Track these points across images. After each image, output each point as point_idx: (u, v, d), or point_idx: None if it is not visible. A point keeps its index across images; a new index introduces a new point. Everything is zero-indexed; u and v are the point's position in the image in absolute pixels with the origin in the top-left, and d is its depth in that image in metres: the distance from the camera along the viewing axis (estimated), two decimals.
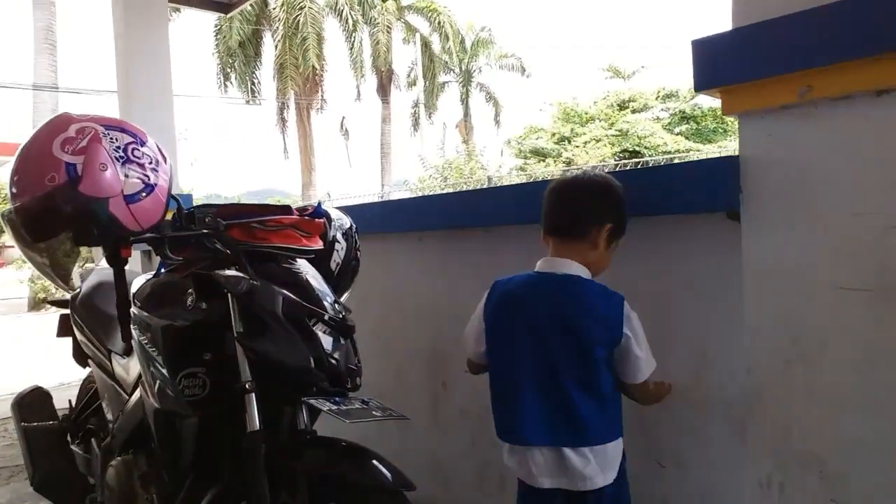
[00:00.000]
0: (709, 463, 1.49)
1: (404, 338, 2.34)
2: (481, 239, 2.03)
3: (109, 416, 1.92)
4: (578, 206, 1.42)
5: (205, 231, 1.38)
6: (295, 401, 1.42)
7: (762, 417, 1.33)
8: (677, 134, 19.87)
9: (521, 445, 1.41)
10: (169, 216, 1.39)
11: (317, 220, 1.52)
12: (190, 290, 1.46)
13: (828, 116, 1.22)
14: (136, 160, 1.26)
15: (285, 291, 1.34)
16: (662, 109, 21.24)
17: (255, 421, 1.32)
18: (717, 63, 1.35)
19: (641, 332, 1.38)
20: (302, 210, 1.55)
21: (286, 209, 1.47)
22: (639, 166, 10.49)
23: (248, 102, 19.94)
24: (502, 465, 2.00)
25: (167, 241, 1.38)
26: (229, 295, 1.35)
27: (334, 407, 1.26)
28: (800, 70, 1.23)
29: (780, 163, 1.29)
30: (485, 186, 10.13)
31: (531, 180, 12.69)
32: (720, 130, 19.94)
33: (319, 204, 1.58)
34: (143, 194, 1.25)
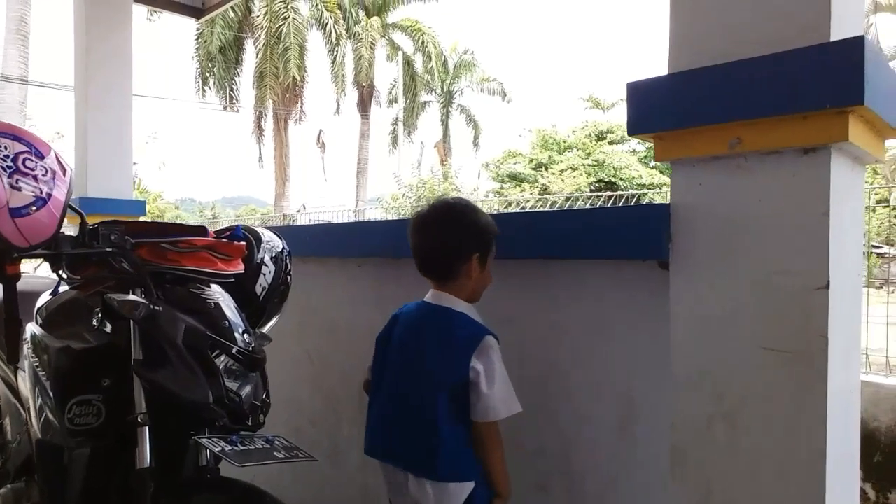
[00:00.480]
0: None
1: (339, 365, 2.26)
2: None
3: (9, 436, 1.80)
4: (439, 251, 1.43)
5: (108, 249, 1.29)
6: (194, 436, 1.33)
7: (684, 474, 1.28)
8: (652, 167, 20.16)
9: (371, 456, 1.49)
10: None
11: (236, 242, 1.45)
12: (96, 310, 1.37)
13: (757, 170, 1.20)
14: (29, 171, 1.18)
15: (189, 319, 1.27)
16: (638, 142, 21.53)
17: (146, 457, 1.23)
18: (650, 108, 1.32)
19: (499, 370, 1.33)
20: (220, 232, 1.48)
21: (201, 230, 1.40)
22: (611, 198, 10.58)
23: (225, 109, 19.75)
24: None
25: (65, 258, 1.29)
26: (130, 321, 1.27)
27: (228, 448, 1.18)
28: (730, 121, 1.20)
29: (710, 214, 1.25)
30: None
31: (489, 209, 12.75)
32: None
33: (238, 227, 1.50)
34: (34, 207, 1.16)
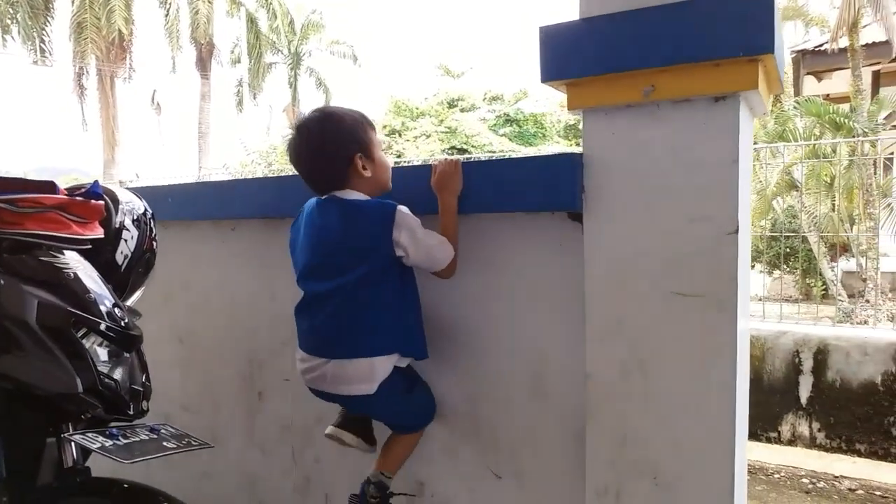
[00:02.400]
0: (547, 473, 1.43)
1: (214, 343, 2.04)
2: None
3: None
4: (323, 168, 1.40)
5: None
6: (59, 434, 1.11)
7: (600, 425, 1.29)
8: (502, 135, 20.84)
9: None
10: None
11: (93, 201, 1.21)
12: None
13: (669, 118, 1.20)
14: None
15: (42, 293, 1.04)
16: (489, 111, 22.15)
17: None
18: (564, 54, 1.28)
19: (420, 231, 1.36)
20: (73, 189, 1.23)
21: (49, 186, 1.14)
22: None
23: (35, 62, 17.23)
24: (327, 482, 1.82)
25: None
26: None
27: (109, 443, 0.99)
28: (644, 68, 1.19)
29: (624, 163, 1.25)
30: None
31: None
32: (539, 135, 21.28)
33: (96, 182, 1.26)
34: None
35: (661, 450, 1.23)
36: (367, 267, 1.34)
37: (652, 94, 1.20)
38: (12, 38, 16.38)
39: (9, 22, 16.07)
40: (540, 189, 1.35)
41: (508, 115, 21.77)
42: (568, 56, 1.26)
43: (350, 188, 1.40)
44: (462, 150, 19.44)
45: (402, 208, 1.36)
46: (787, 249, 6.36)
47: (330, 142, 1.39)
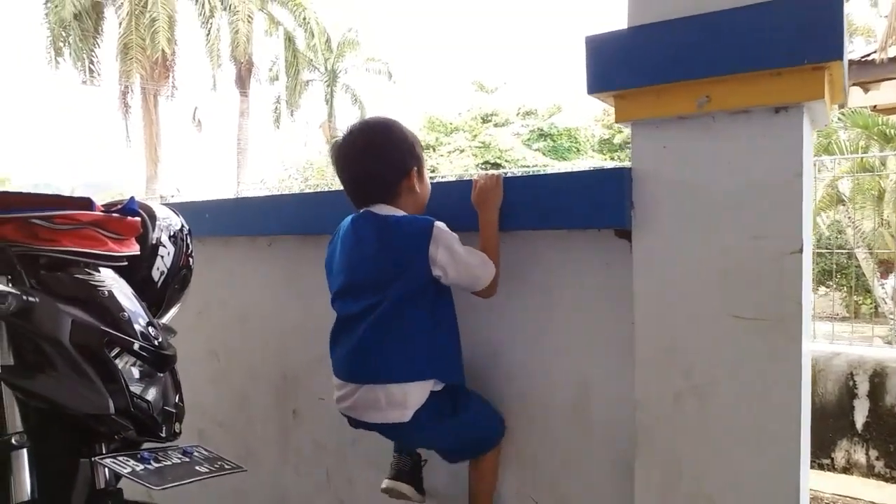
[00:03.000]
0: (591, 502, 1.35)
1: (249, 359, 2.02)
2: None
3: None
4: (382, 174, 1.33)
5: None
6: (91, 454, 1.08)
7: (650, 455, 1.22)
8: (535, 150, 20.78)
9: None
10: None
11: (129, 218, 1.19)
12: None
13: (726, 130, 1.13)
14: None
15: (76, 311, 1.02)
16: (522, 125, 22.12)
17: (26, 487, 0.98)
18: (611, 64, 1.22)
19: (460, 248, 1.30)
20: (110, 206, 1.22)
21: (85, 202, 1.13)
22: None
23: (84, 82, 17.86)
24: (360, 502, 1.77)
25: None
26: None
27: (140, 467, 0.95)
28: (699, 78, 1.13)
29: (676, 178, 1.18)
30: None
31: None
32: (574, 149, 21.14)
33: (132, 199, 1.24)
34: None
35: (718, 481, 1.15)
36: (401, 286, 1.27)
37: (707, 105, 1.13)
38: (64, 59, 17.03)
39: (61, 44, 16.71)
40: (586, 205, 1.29)
41: (542, 130, 21.70)
42: (616, 66, 1.21)
43: (392, 203, 1.34)
44: (496, 165, 19.42)
45: (440, 224, 1.29)
46: (834, 266, 6.12)
47: (394, 149, 1.34)
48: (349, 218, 1.40)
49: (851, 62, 9.68)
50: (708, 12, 1.10)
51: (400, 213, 1.34)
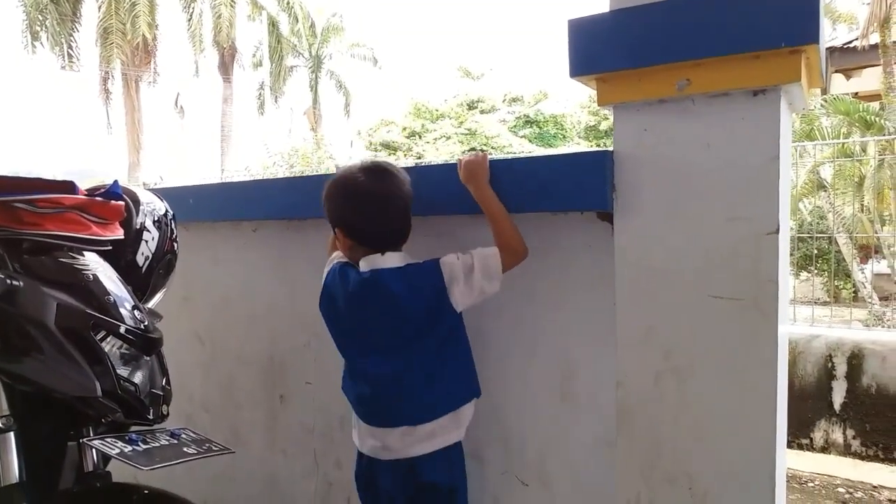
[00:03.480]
0: (575, 481, 1.38)
1: (235, 344, 2.02)
2: (326, 230, 1.78)
3: None
4: (404, 219, 1.34)
5: None
6: (79, 437, 1.09)
7: (631, 434, 1.24)
8: (522, 136, 20.79)
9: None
10: None
11: (113, 202, 1.19)
12: None
13: (705, 114, 1.15)
14: None
15: (62, 295, 1.02)
16: (508, 112, 22.10)
17: (14, 470, 0.99)
18: (593, 47, 1.23)
19: (461, 261, 1.32)
20: (93, 190, 1.21)
21: (68, 186, 1.13)
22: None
23: (63, 68, 17.54)
24: (348, 486, 1.79)
25: None
26: None
27: (128, 449, 0.96)
28: (679, 61, 1.14)
29: (657, 160, 1.20)
30: None
31: None
32: (560, 136, 21.18)
33: (116, 182, 1.24)
34: None
35: (697, 459, 1.18)
36: (436, 333, 1.30)
37: (687, 88, 1.15)
38: (41, 44, 16.70)
39: (38, 28, 16.38)
40: (568, 188, 1.31)
41: (528, 117, 21.70)
42: (598, 50, 1.22)
43: (399, 251, 1.34)
44: (482, 152, 19.39)
45: (443, 260, 1.29)
46: (815, 251, 6.21)
47: (407, 189, 1.34)
48: (347, 270, 1.36)
49: (834, 49, 9.78)
50: None
51: (399, 259, 1.33)
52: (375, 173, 1.33)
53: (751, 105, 1.11)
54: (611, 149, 1.26)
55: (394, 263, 1.31)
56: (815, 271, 6.59)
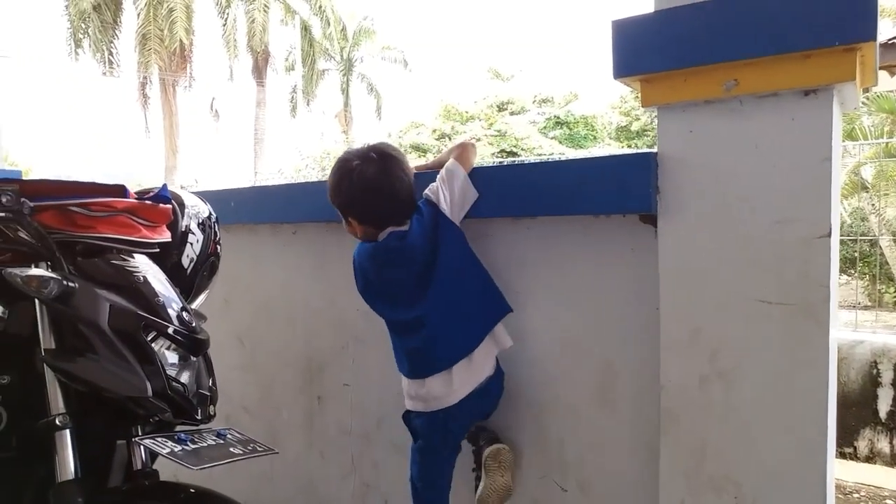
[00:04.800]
0: (615, 486, 1.36)
1: (275, 346, 2.05)
2: None
3: None
4: (409, 191, 1.42)
5: (0, 214, 1.03)
6: (129, 436, 1.11)
7: (675, 438, 1.22)
8: (552, 138, 20.64)
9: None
10: None
11: (162, 205, 1.22)
12: None
13: (753, 114, 1.13)
14: None
15: (114, 296, 1.04)
16: (538, 113, 21.96)
17: (70, 466, 1.01)
18: (637, 48, 1.22)
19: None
20: (142, 193, 1.24)
21: (120, 189, 1.15)
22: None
23: (104, 73, 18.03)
24: (385, 488, 1.80)
25: None
26: (37, 300, 1.03)
27: (178, 448, 0.98)
28: (726, 61, 1.12)
29: (702, 162, 1.18)
30: None
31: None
32: (590, 137, 20.98)
33: (165, 186, 1.27)
34: None
35: (744, 465, 1.15)
36: (449, 264, 1.37)
37: (734, 88, 1.12)
38: (83, 51, 17.20)
39: (81, 36, 16.87)
40: (611, 190, 1.30)
41: (558, 118, 21.53)
42: (643, 50, 1.20)
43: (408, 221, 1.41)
44: (512, 154, 19.33)
45: (426, 191, 1.43)
46: (856, 254, 6.03)
47: (406, 165, 1.43)
48: (369, 245, 1.44)
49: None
50: None
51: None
52: (376, 160, 1.39)
53: (801, 105, 1.09)
54: (654, 150, 1.24)
55: (403, 228, 1.40)
56: (857, 274, 6.40)
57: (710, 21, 1.13)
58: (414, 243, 1.37)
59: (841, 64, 1.03)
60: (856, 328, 3.98)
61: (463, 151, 1.46)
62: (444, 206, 1.39)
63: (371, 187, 1.38)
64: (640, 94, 1.24)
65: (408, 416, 1.44)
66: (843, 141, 6.87)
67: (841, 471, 3.20)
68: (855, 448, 3.42)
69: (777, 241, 1.11)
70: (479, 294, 1.40)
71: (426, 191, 1.43)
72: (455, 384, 1.35)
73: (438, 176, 1.43)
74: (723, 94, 1.14)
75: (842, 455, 3.41)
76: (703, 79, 1.15)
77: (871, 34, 0.99)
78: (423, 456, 1.41)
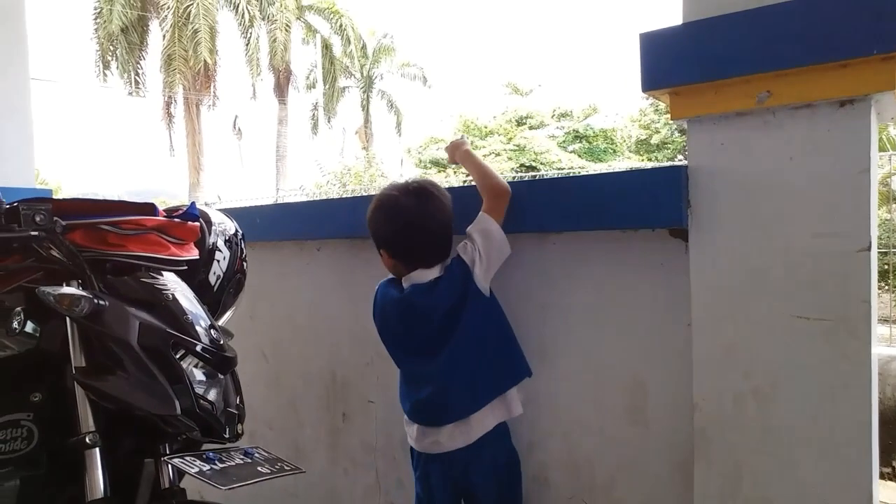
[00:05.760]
0: None
1: (299, 363, 2.05)
2: None
3: None
4: (447, 228, 1.39)
5: (33, 233, 1.05)
6: (156, 454, 1.11)
7: (709, 459, 1.19)
8: (571, 152, 20.61)
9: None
10: None
11: (190, 223, 1.22)
12: (17, 309, 1.12)
13: (787, 126, 1.11)
14: None
15: (143, 314, 1.05)
16: (557, 127, 21.97)
17: (100, 485, 1.01)
18: (667, 60, 1.20)
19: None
20: (171, 211, 1.25)
21: (149, 208, 1.16)
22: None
23: (131, 94, 18.45)
24: None
25: None
26: (68, 318, 1.04)
27: (206, 468, 0.98)
28: (759, 73, 1.10)
29: (734, 176, 1.15)
30: None
31: None
32: (610, 150, 20.90)
33: (193, 204, 1.28)
34: None
35: (782, 488, 1.11)
36: (470, 324, 1.34)
37: (767, 100, 1.10)
38: (111, 72, 17.63)
39: (109, 58, 17.31)
40: (641, 205, 1.27)
41: (577, 132, 21.50)
42: (671, 63, 1.19)
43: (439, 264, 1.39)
44: (531, 168, 19.31)
45: (460, 249, 1.37)
46: (885, 266, 5.89)
47: (447, 201, 1.40)
48: (391, 290, 1.43)
49: None
50: (767, 5, 1.08)
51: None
52: (417, 196, 1.36)
53: (838, 116, 1.06)
54: (685, 163, 1.22)
55: (431, 276, 1.36)
56: (889, 288, 6.25)
57: (741, 32, 1.11)
58: (438, 304, 1.34)
59: (879, 73, 1.01)
60: (890, 343, 3.88)
61: (497, 201, 1.37)
62: (478, 272, 1.34)
63: (406, 223, 1.36)
64: (669, 107, 1.22)
65: None
66: None
67: (882, 492, 3.10)
68: (893, 468, 3.31)
69: (815, 255, 1.08)
70: (495, 360, 1.37)
71: (459, 248, 1.37)
72: (442, 437, 1.36)
73: (471, 231, 1.36)
74: (755, 105, 1.12)
75: (880, 476, 3.31)
76: (734, 91, 1.13)
77: None
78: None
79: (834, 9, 1.03)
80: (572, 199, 1.37)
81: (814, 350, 1.08)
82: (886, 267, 5.97)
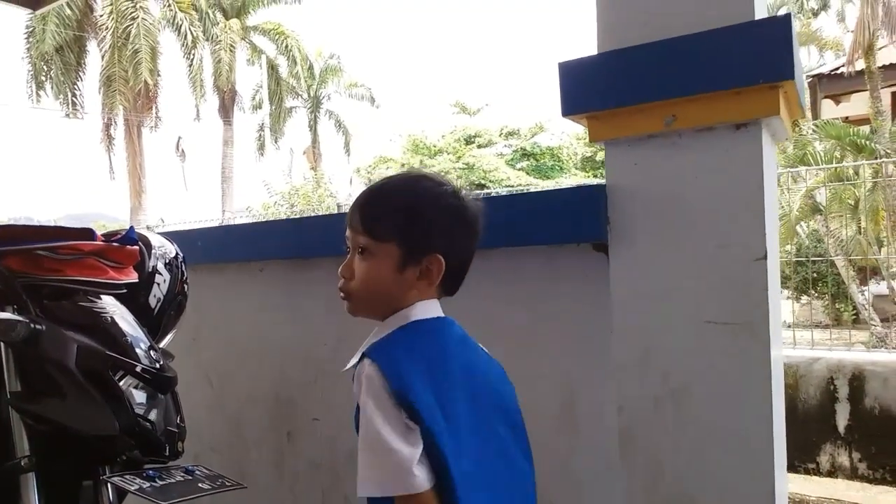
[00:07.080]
0: None
1: (243, 384, 2.05)
2: (332, 268, 1.83)
3: None
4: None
5: None
6: (95, 476, 1.12)
7: (634, 457, 1.27)
8: (519, 169, 20.99)
9: None
10: None
11: (129, 247, 1.24)
12: None
13: (692, 147, 1.21)
14: None
15: (82, 337, 1.06)
16: (505, 146, 22.36)
17: None
18: (583, 88, 1.30)
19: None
20: (110, 235, 1.26)
21: (86, 233, 1.18)
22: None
23: (67, 116, 17.86)
24: None
25: None
26: (2, 344, 1.04)
27: (146, 485, 0.99)
28: (665, 99, 1.21)
29: (647, 193, 1.25)
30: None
31: None
32: (557, 168, 21.39)
33: (132, 228, 1.29)
34: None
35: (699, 483, 1.20)
36: None
37: (673, 123, 1.21)
38: (45, 93, 17.03)
39: (43, 78, 16.73)
40: (564, 221, 1.36)
41: (525, 150, 21.95)
42: (587, 90, 1.28)
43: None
44: (480, 186, 19.59)
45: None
46: (814, 274, 6.25)
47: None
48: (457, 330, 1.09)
49: (822, 76, 9.98)
50: (671, 38, 1.19)
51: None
52: (472, 201, 1.03)
53: (734, 138, 1.17)
54: (604, 182, 1.31)
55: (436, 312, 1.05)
56: (815, 294, 6.61)
57: (648, 62, 1.21)
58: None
59: (766, 100, 1.13)
60: (813, 346, 4.12)
61: None
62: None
63: (471, 225, 1.01)
64: (588, 131, 1.32)
65: None
66: (797, 166, 7.16)
67: (804, 486, 3.28)
68: (817, 463, 3.50)
69: (719, 264, 1.18)
70: None
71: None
72: None
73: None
74: (663, 128, 1.22)
75: (805, 471, 3.49)
76: (644, 115, 1.23)
77: (790, 73, 1.09)
78: None
79: (727, 42, 1.14)
80: (506, 217, 1.45)
81: (722, 352, 1.18)
82: (816, 275, 6.34)
